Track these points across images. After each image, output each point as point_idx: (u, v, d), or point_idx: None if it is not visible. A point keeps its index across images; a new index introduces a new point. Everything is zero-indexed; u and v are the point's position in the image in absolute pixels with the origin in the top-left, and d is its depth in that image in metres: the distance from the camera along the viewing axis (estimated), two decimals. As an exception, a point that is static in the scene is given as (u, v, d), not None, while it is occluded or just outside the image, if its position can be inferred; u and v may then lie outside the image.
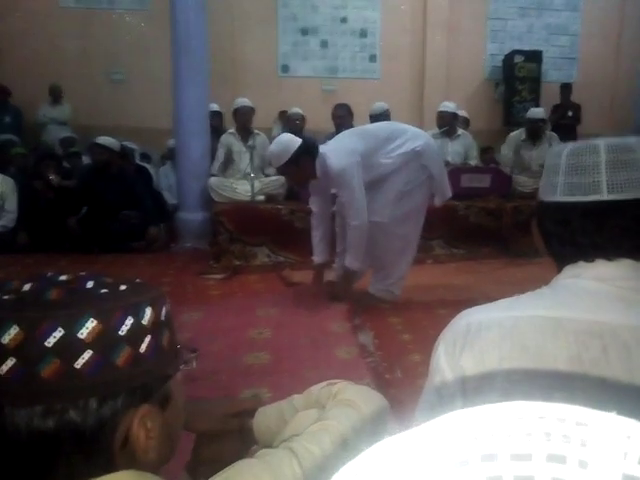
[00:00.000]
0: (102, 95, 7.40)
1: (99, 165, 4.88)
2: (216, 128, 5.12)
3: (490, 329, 0.74)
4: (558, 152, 0.80)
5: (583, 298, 0.74)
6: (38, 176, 5.02)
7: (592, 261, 0.76)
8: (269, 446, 0.82)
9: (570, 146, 0.79)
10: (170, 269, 4.11)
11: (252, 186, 4.47)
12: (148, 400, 0.56)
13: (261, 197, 4.59)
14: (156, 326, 0.57)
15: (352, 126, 4.24)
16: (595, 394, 0.68)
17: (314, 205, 3.19)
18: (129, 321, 0.54)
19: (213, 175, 4.74)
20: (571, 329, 0.71)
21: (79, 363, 0.50)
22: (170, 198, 5.70)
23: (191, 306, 3.03)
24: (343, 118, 4.92)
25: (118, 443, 0.53)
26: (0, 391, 0.49)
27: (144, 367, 0.55)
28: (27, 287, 0.53)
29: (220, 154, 4.82)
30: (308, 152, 2.86)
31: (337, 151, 2.89)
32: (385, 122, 3.52)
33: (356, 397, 0.77)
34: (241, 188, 4.60)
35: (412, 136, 3.04)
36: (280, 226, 4.16)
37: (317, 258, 3.23)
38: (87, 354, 0.50)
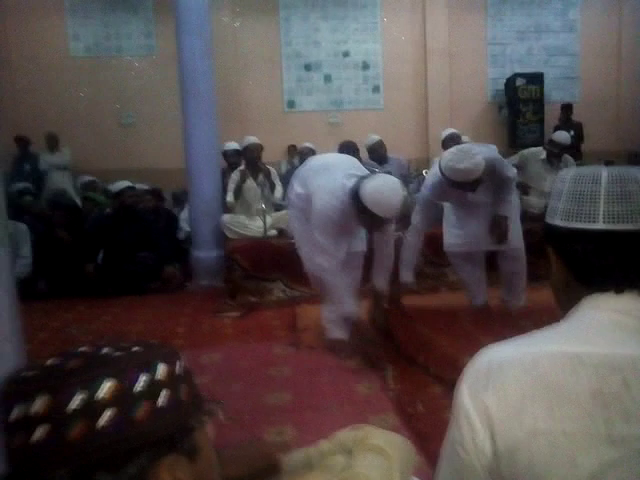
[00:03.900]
0: (113, 139, 7.58)
1: (125, 209, 4.97)
2: (236, 166, 5.18)
3: (511, 367, 0.75)
4: (563, 177, 0.82)
5: (601, 331, 0.75)
6: (53, 225, 5.13)
7: (606, 291, 0.77)
8: None
9: (573, 172, 0.80)
10: (186, 309, 4.14)
11: (264, 221, 4.52)
12: (173, 451, 0.58)
13: (273, 232, 4.63)
14: (172, 380, 0.60)
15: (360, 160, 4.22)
16: (618, 428, 0.68)
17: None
18: (143, 377, 0.57)
19: (230, 203, 4.80)
20: (591, 364, 0.71)
21: (101, 422, 0.53)
22: (187, 227, 5.72)
23: (209, 347, 3.05)
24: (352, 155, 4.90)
25: None
26: (34, 456, 0.52)
27: (164, 420, 0.57)
28: (49, 362, 0.58)
29: (231, 187, 4.86)
30: None
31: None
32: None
33: (383, 443, 0.78)
34: (253, 224, 4.65)
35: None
36: (294, 260, 4.16)
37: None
38: (108, 412, 0.53)
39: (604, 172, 0.77)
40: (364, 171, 2.78)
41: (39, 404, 0.52)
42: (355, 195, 2.52)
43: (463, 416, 0.77)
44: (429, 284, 4.29)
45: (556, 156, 4.97)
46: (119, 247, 4.86)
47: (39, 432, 0.52)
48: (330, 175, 2.67)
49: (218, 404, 0.68)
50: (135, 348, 0.61)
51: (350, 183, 2.59)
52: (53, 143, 7.16)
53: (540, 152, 5.09)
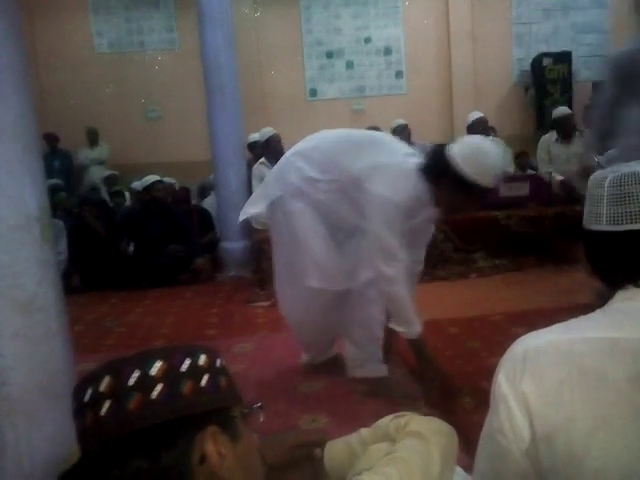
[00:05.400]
0: (140, 133, 7.69)
1: (154, 202, 5.06)
2: (259, 157, 5.23)
3: (547, 353, 0.76)
4: (599, 181, 0.82)
5: (637, 319, 0.75)
6: (81, 220, 5.25)
7: (626, 287, 0.78)
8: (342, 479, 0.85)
9: (611, 175, 0.81)
10: (217, 299, 4.21)
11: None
12: (216, 424, 0.65)
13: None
14: (212, 369, 0.69)
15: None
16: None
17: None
18: (187, 361, 0.66)
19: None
20: (628, 349, 0.72)
21: (153, 395, 0.62)
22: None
23: (241, 337, 3.10)
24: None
25: (196, 459, 0.63)
26: (103, 428, 0.61)
27: (207, 397, 0.65)
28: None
29: (256, 186, 4.91)
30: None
31: None
32: None
33: (423, 428, 0.79)
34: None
35: None
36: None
37: None
38: (158, 387, 0.63)
39: (610, 175, 0.81)
40: (407, 146, 2.22)
41: (104, 384, 0.62)
42: (435, 171, 1.98)
43: (501, 403, 0.78)
44: (458, 270, 4.29)
45: (566, 133, 4.96)
46: (149, 240, 4.96)
47: (105, 407, 0.61)
48: (385, 154, 2.05)
49: (258, 406, 0.75)
50: (180, 345, 0.70)
51: (415, 160, 2.05)
52: (93, 138, 7.28)
53: (552, 135, 5.11)
